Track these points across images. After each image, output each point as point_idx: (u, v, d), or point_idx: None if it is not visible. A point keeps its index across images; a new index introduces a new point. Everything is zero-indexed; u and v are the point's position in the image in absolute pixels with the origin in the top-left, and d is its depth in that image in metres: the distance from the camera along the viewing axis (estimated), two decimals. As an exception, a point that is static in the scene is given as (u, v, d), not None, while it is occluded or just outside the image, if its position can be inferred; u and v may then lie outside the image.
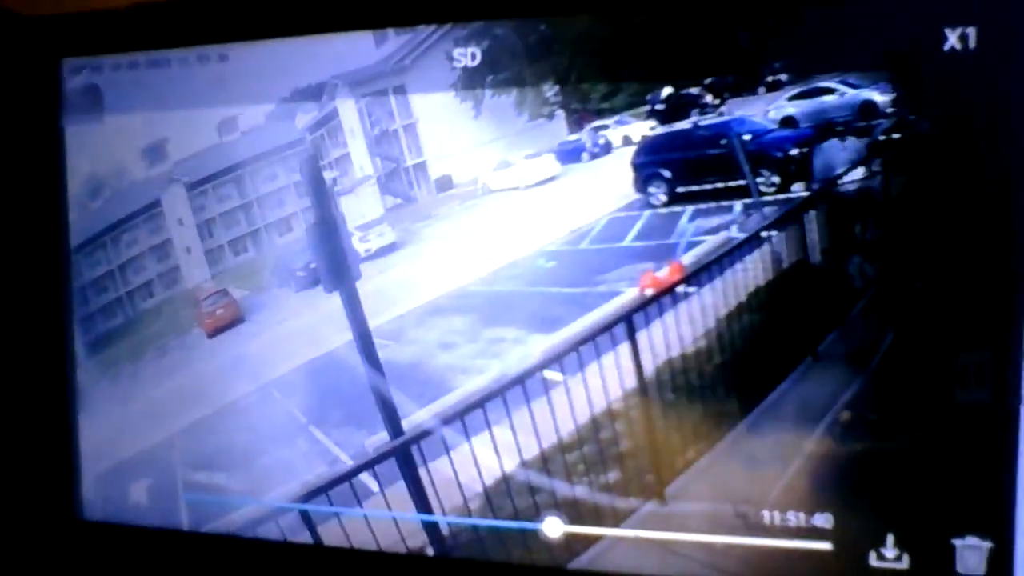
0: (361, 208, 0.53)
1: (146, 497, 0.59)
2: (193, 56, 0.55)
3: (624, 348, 0.50)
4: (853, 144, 0.46)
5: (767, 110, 0.48)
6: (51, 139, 0.57)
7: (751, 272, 0.48)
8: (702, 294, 0.49)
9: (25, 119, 0.57)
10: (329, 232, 0.53)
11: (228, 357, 0.56)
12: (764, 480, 0.47)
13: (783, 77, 0.47)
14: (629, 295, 0.49)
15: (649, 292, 0.49)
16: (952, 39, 0.42)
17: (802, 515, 0.46)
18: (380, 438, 0.53)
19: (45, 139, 0.57)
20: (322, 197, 0.53)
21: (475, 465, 0.52)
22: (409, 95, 0.52)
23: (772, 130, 0.48)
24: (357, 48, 0.52)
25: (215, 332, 0.56)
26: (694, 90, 0.48)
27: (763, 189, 0.48)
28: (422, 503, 0.53)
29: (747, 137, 0.48)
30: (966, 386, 0.44)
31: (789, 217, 0.47)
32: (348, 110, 0.53)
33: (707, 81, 0.48)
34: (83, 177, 0.58)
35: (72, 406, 0.59)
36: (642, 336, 0.50)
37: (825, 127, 0.46)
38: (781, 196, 0.47)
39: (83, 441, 0.59)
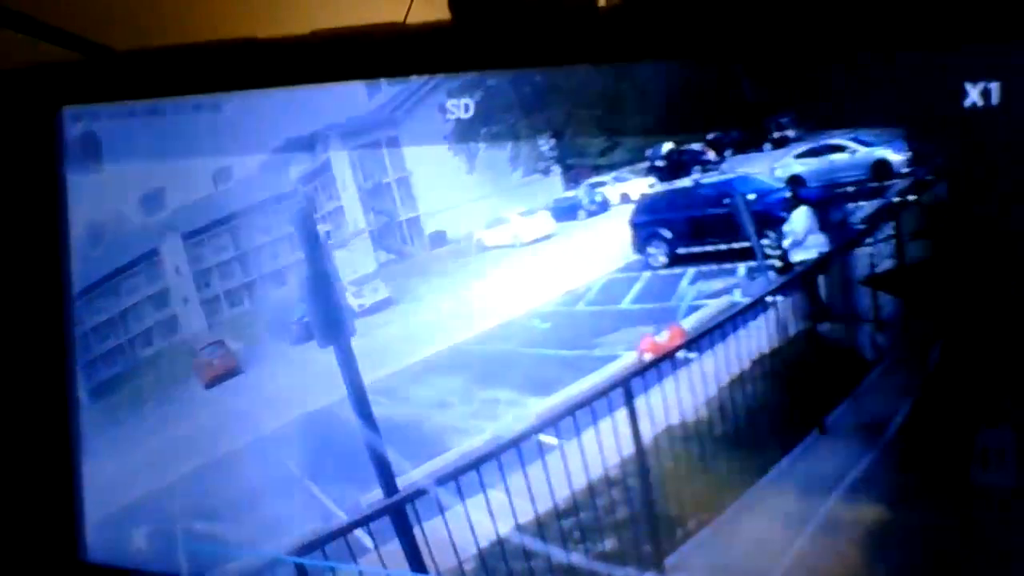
0: (354, 262, 0.54)
1: (147, 542, 0.60)
2: (188, 105, 0.56)
3: (622, 414, 0.49)
4: (865, 206, 0.44)
5: (773, 168, 0.46)
6: (52, 187, 0.59)
7: (755, 339, 0.47)
8: (703, 360, 0.48)
9: (26, 167, 0.59)
10: (323, 286, 0.53)
11: (225, 408, 0.57)
12: (767, 555, 0.46)
13: (790, 133, 0.45)
14: (627, 359, 0.49)
15: (648, 357, 0.48)
16: (973, 95, 0.40)
17: (807, 594, 0.45)
18: (375, 495, 0.54)
19: (47, 187, 0.59)
20: (316, 250, 0.53)
21: (469, 526, 0.52)
22: (402, 147, 0.52)
23: (778, 189, 0.46)
24: (350, 98, 0.52)
25: (212, 383, 0.57)
26: (696, 146, 0.47)
27: (768, 252, 0.46)
28: (416, 562, 0.54)
29: (751, 197, 0.47)
30: (985, 466, 0.42)
31: (796, 282, 0.46)
32: (341, 162, 0.53)
33: (710, 137, 0.47)
34: (84, 225, 0.59)
35: (75, 450, 0.61)
36: (640, 402, 0.49)
37: (835, 187, 0.45)
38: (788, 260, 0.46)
39: (86, 485, 0.61)
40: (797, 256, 0.46)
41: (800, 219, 0.46)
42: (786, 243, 0.46)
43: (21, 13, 0.70)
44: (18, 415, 0.61)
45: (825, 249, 0.45)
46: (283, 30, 0.54)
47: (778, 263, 0.47)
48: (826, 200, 0.45)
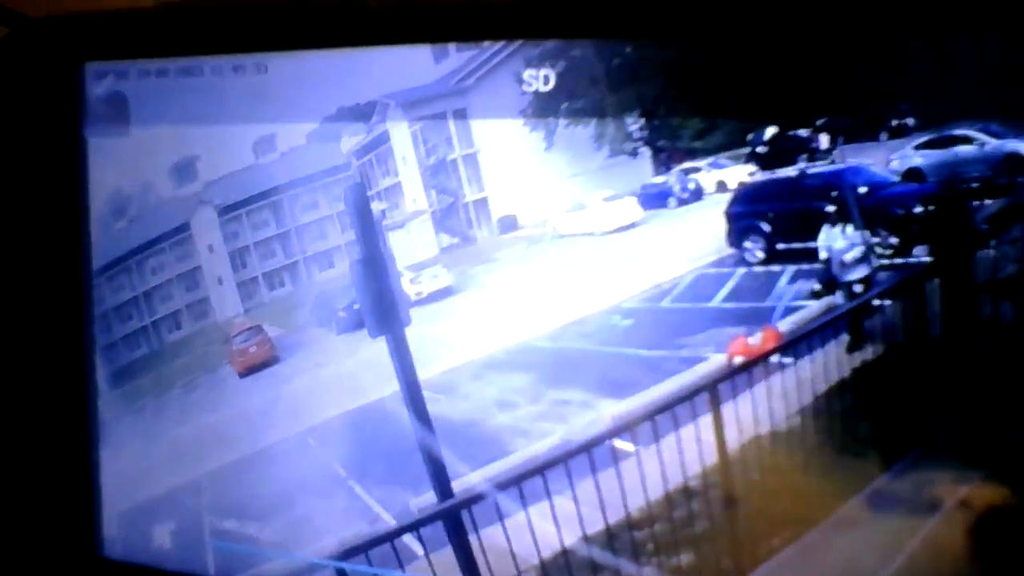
0: (413, 246, 0.50)
1: (170, 539, 0.57)
2: (228, 65, 0.51)
3: (706, 420, 0.46)
4: (991, 205, 0.41)
5: (889, 159, 0.43)
6: (72, 150, 0.54)
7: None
8: (799, 366, 0.45)
9: (45, 128, 0.54)
10: (376, 270, 0.50)
11: (261, 399, 0.54)
12: (858, 577, 0.44)
13: (910, 122, 0.42)
14: (715, 362, 0.46)
15: (738, 360, 0.45)
16: None
17: (903, 623, 0.43)
18: (427, 499, 0.51)
19: (66, 150, 0.54)
20: (369, 231, 0.50)
21: (532, 535, 0.49)
22: (471, 120, 0.48)
23: (893, 183, 0.43)
24: (413, 64, 0.48)
25: (247, 371, 0.54)
26: (803, 132, 0.44)
27: (878, 251, 0.43)
28: (471, 571, 0.51)
29: (863, 190, 0.44)
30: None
31: (907, 285, 0.43)
32: (400, 134, 0.49)
33: (819, 122, 0.43)
34: (107, 194, 0.55)
35: (94, 438, 0.58)
36: (727, 409, 0.46)
37: (958, 183, 0.42)
38: (899, 260, 0.43)
39: (105, 476, 0.58)
40: (857, 274, 0.43)
41: (838, 236, 0.43)
42: (847, 256, 0.43)
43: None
44: (32, 398, 0.57)
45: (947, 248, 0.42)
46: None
47: (816, 285, 0.44)
48: (948, 196, 0.42)
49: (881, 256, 0.43)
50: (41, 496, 0.58)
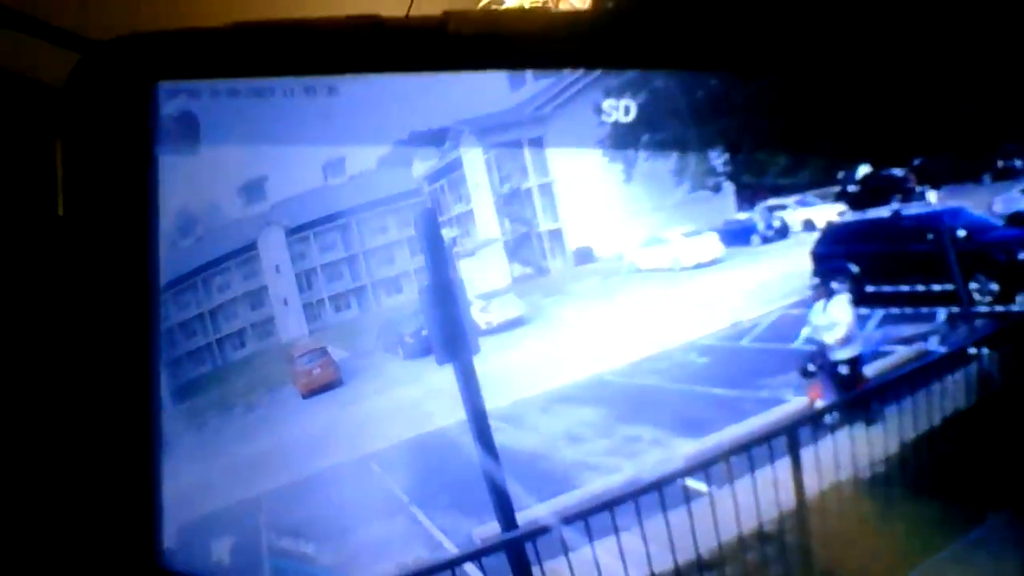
0: (484, 274, 0.47)
1: (229, 555, 0.55)
2: (299, 87, 0.48)
3: (784, 464, 0.43)
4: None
5: (992, 202, 0.39)
6: (143, 169, 0.52)
7: (950, 394, 0.40)
8: (886, 413, 0.41)
9: (119, 145, 0.52)
10: (445, 298, 0.46)
11: (323, 422, 0.51)
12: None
13: (1018, 163, 0.38)
14: (795, 405, 0.42)
15: (820, 404, 0.42)
16: None
17: None
18: (490, 528, 0.47)
19: (138, 167, 0.52)
20: (439, 257, 0.46)
21: (596, 571, 0.46)
22: (546, 149, 0.45)
23: (996, 227, 0.39)
24: (488, 90, 0.44)
25: (310, 393, 0.51)
26: (898, 171, 0.40)
27: (976, 298, 0.39)
28: (533, 604, 0.47)
29: (962, 233, 0.39)
30: None
31: (1008, 335, 0.39)
32: (474, 161, 0.46)
33: (916, 162, 0.39)
34: (175, 211, 0.52)
35: (157, 451, 0.55)
36: (807, 453, 0.42)
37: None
38: (999, 308, 0.39)
39: (167, 489, 0.55)
40: (843, 354, 0.40)
41: (843, 309, 0.39)
42: (829, 337, 0.39)
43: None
44: (99, 410, 0.54)
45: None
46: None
47: (844, 369, 0.40)
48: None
49: (978, 302, 0.39)
50: (104, 506, 0.56)
